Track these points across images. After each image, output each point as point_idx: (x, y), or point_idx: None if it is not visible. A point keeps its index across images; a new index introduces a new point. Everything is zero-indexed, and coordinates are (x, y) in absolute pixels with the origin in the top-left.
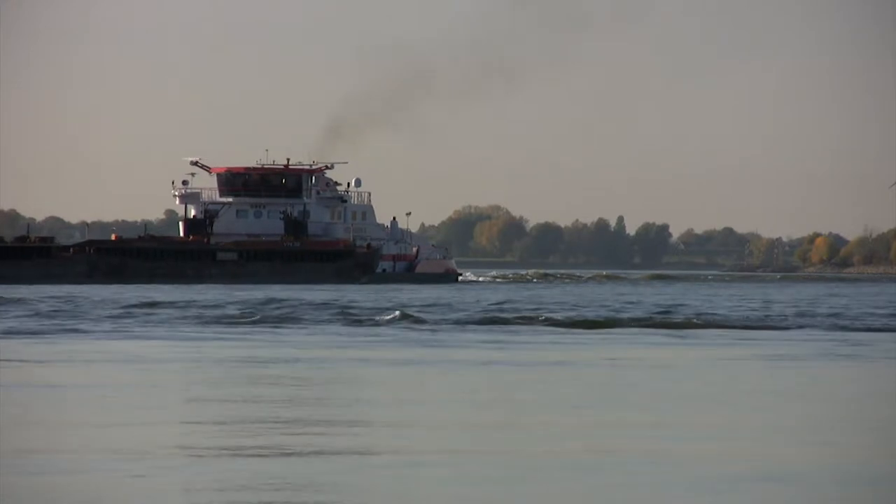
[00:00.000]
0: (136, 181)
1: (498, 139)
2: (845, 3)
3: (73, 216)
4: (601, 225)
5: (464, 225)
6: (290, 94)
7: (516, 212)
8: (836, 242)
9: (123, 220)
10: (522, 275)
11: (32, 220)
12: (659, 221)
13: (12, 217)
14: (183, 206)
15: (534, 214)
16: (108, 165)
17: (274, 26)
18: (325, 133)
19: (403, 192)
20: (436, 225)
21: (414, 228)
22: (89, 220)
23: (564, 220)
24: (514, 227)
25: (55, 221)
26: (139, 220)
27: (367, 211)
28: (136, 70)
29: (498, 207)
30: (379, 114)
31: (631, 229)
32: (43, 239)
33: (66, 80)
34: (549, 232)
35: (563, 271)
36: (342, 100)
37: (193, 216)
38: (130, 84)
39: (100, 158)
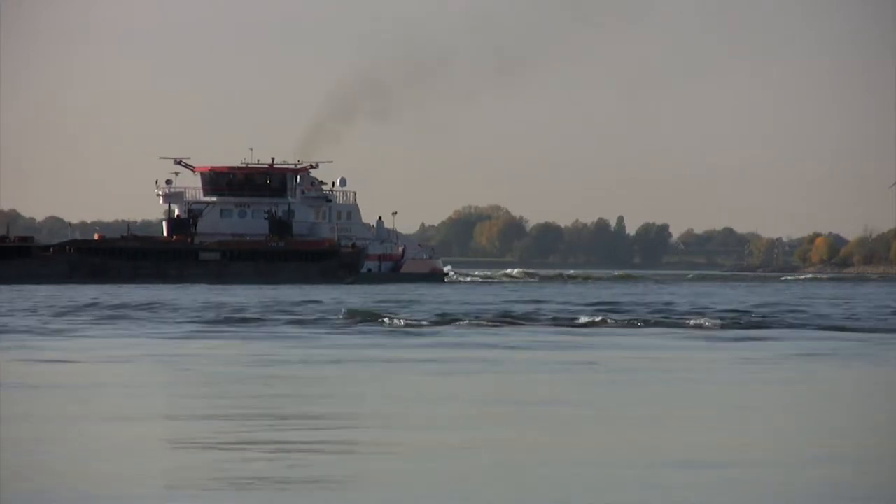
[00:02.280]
0: (136, 181)
1: (498, 139)
2: (845, 3)
3: (73, 216)
4: (601, 225)
5: (464, 225)
6: (279, 92)
7: (516, 212)
8: (836, 242)
9: (123, 220)
10: (510, 274)
11: (32, 220)
12: (659, 221)
13: (12, 217)
14: (166, 205)
15: (534, 214)
16: (107, 165)
17: (264, 22)
18: (315, 130)
19: (404, 191)
20: (436, 225)
21: (413, 228)
22: (89, 220)
23: (564, 220)
24: (514, 227)
25: (55, 221)
26: (139, 219)
27: (352, 210)
28: (133, 70)
29: (498, 207)
30: (375, 112)
31: (631, 229)
32: (23, 238)
33: (66, 80)
34: (549, 232)
35: (550, 271)
36: (334, 98)
37: (177, 216)
38: (130, 84)
39: (100, 158)
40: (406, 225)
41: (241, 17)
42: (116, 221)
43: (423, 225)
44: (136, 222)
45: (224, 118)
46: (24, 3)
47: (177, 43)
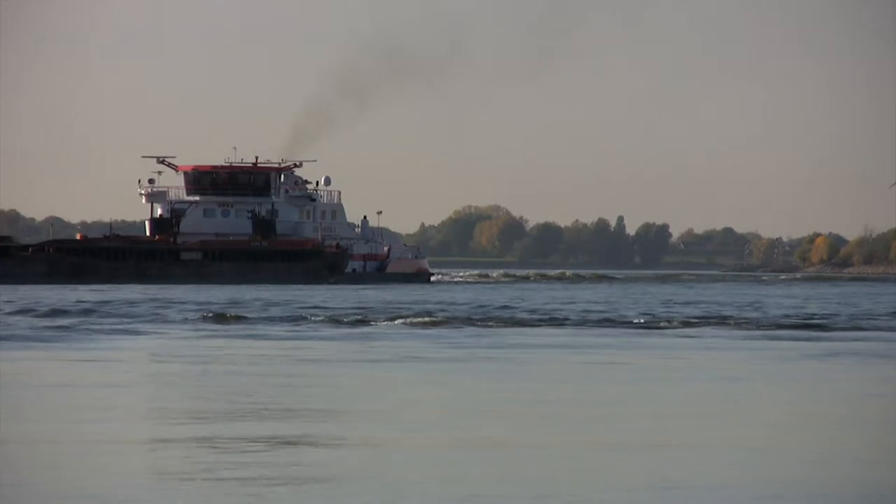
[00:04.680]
0: (134, 181)
1: (499, 139)
2: (845, 3)
3: (73, 216)
4: (601, 225)
5: (464, 225)
6: (264, 90)
7: (516, 212)
8: (836, 242)
9: (123, 220)
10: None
11: (32, 220)
12: (659, 221)
13: (12, 217)
14: (149, 205)
15: (534, 214)
16: (108, 165)
17: (249, 19)
18: (303, 128)
19: (404, 191)
20: (436, 225)
21: (413, 228)
22: (89, 220)
23: (564, 220)
24: (514, 227)
25: (55, 221)
26: (139, 220)
27: (336, 210)
28: (130, 69)
29: (498, 207)
30: (369, 109)
31: (631, 229)
32: (1, 238)
33: (66, 79)
34: (549, 232)
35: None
36: (325, 96)
37: (160, 215)
38: (128, 83)
39: (100, 158)
40: (406, 225)
41: (226, 15)
42: (116, 222)
43: (423, 225)
44: (135, 223)
45: (208, 117)
46: (26, 6)
47: (162, 42)
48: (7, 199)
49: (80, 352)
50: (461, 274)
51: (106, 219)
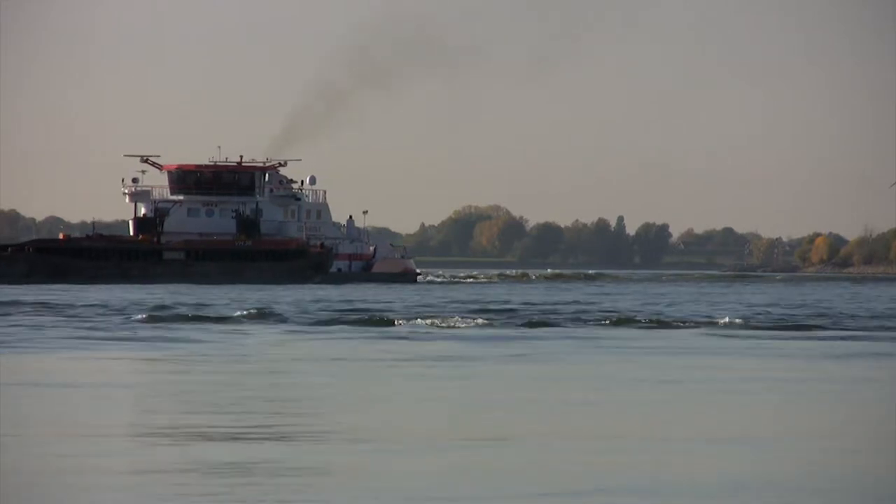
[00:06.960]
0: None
1: (499, 139)
2: (845, 3)
3: (73, 216)
4: (601, 225)
5: (464, 225)
6: (252, 88)
7: (516, 212)
8: (836, 242)
9: (123, 220)
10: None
11: (32, 220)
12: (659, 221)
13: (12, 217)
14: (133, 204)
15: (534, 214)
16: (105, 164)
17: (238, 14)
18: (297, 127)
19: (404, 192)
20: (436, 225)
21: (414, 228)
22: (89, 220)
23: (564, 220)
24: (514, 227)
25: (55, 221)
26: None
27: (321, 209)
28: (129, 69)
29: (498, 207)
30: (368, 107)
31: (631, 229)
32: None
33: (66, 79)
34: (549, 232)
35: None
36: (322, 95)
37: (144, 215)
38: (127, 83)
39: (97, 157)
40: (406, 225)
41: (213, 13)
42: (116, 221)
43: (423, 225)
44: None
45: (193, 116)
46: (26, 6)
47: (158, 42)
48: (7, 199)
49: None
50: (440, 272)
51: (106, 218)
